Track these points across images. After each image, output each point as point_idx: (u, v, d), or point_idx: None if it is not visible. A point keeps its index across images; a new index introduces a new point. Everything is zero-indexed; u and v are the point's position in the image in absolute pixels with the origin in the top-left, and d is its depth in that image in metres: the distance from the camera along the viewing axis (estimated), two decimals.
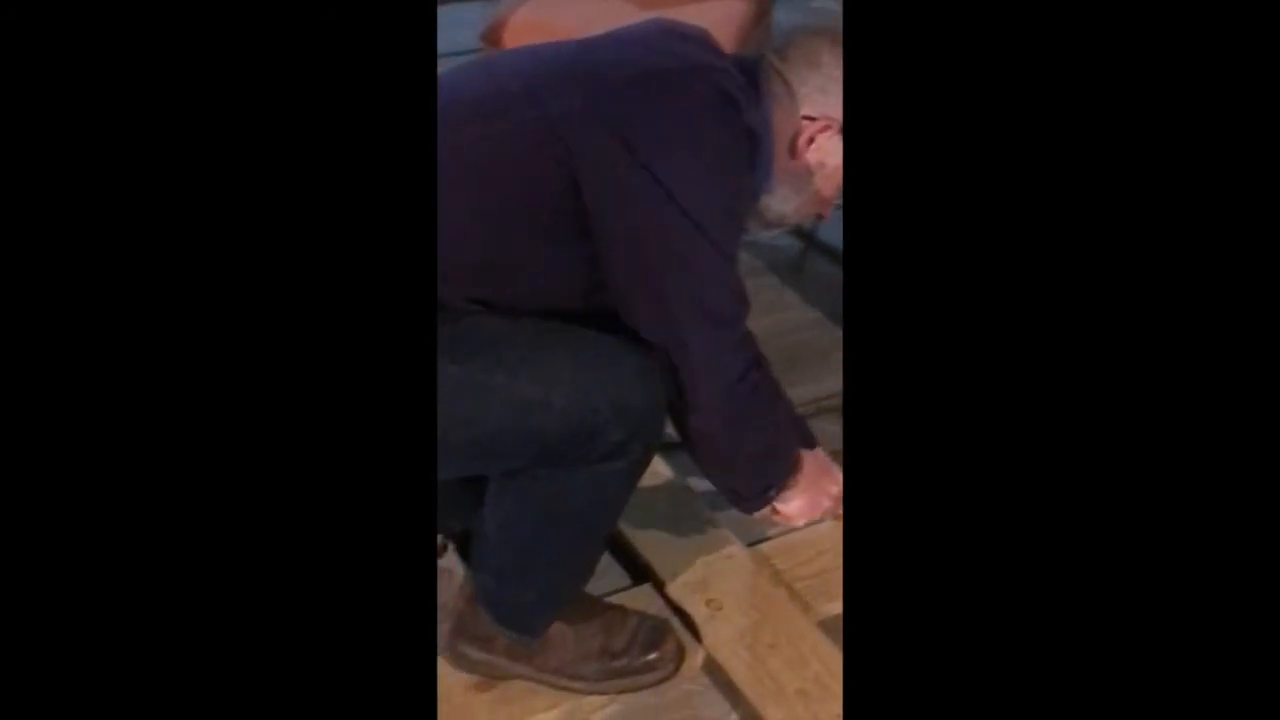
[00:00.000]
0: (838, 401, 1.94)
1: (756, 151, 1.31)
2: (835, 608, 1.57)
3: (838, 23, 1.23)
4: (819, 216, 1.49)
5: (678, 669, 1.49)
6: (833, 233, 2.42)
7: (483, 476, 1.34)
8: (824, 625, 1.54)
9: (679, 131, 1.24)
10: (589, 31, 1.41)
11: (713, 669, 1.51)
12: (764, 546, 1.67)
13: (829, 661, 1.47)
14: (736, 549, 1.66)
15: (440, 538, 1.53)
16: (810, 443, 1.55)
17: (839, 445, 1.54)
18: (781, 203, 1.39)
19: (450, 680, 1.48)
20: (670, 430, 1.33)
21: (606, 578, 1.66)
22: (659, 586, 1.62)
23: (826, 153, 1.37)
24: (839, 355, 1.91)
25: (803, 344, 2.16)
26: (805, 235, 2.50)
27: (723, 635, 1.52)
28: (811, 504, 1.45)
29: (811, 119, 1.35)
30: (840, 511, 1.54)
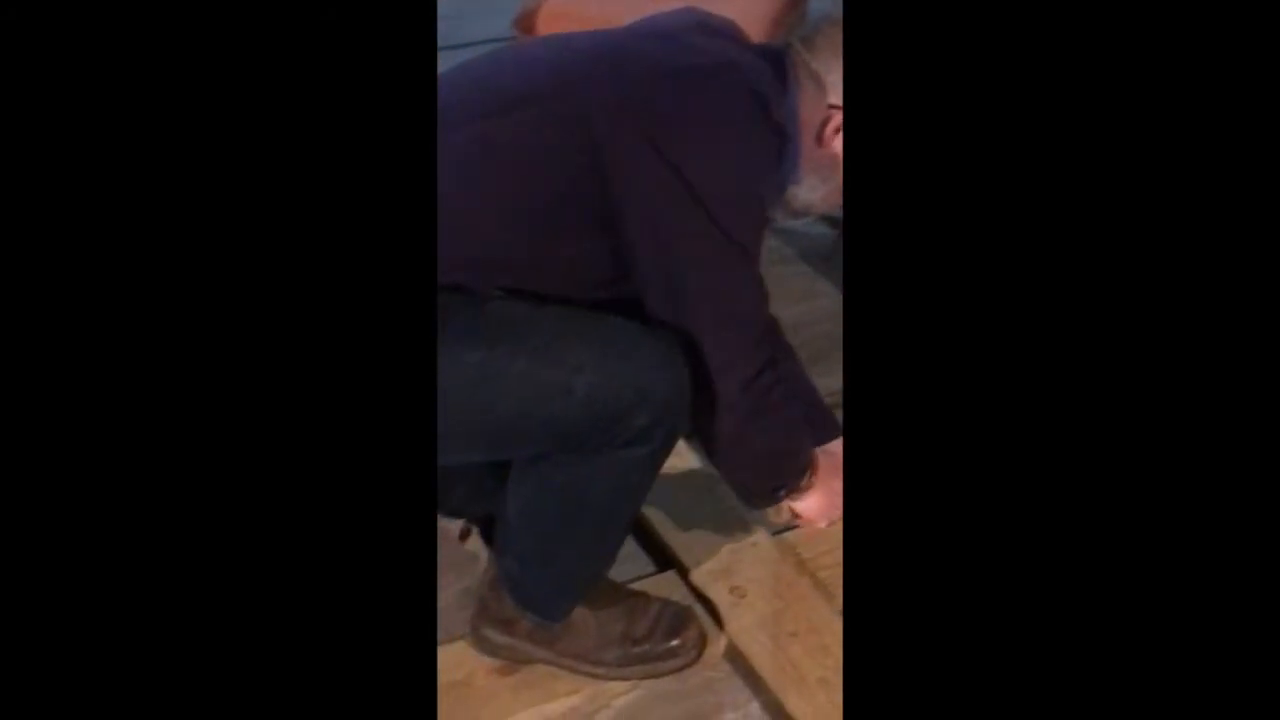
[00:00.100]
0: None
1: (783, 147, 1.31)
2: None
3: None
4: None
5: (699, 656, 1.50)
6: None
7: (507, 461, 1.35)
8: None
9: (707, 131, 1.24)
10: (620, 20, 1.41)
11: (735, 656, 1.52)
12: (789, 535, 1.67)
13: None
14: (761, 537, 1.66)
15: (464, 522, 1.54)
16: (839, 433, 1.55)
17: None
18: (809, 192, 1.39)
19: (473, 664, 1.49)
20: None
21: (630, 564, 1.66)
22: (683, 573, 1.62)
23: None
24: None
25: (833, 333, 2.13)
26: (838, 224, 2.49)
27: (745, 623, 1.53)
28: (827, 504, 1.44)
29: (838, 108, 1.35)
30: None
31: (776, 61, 1.34)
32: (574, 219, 1.26)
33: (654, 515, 1.72)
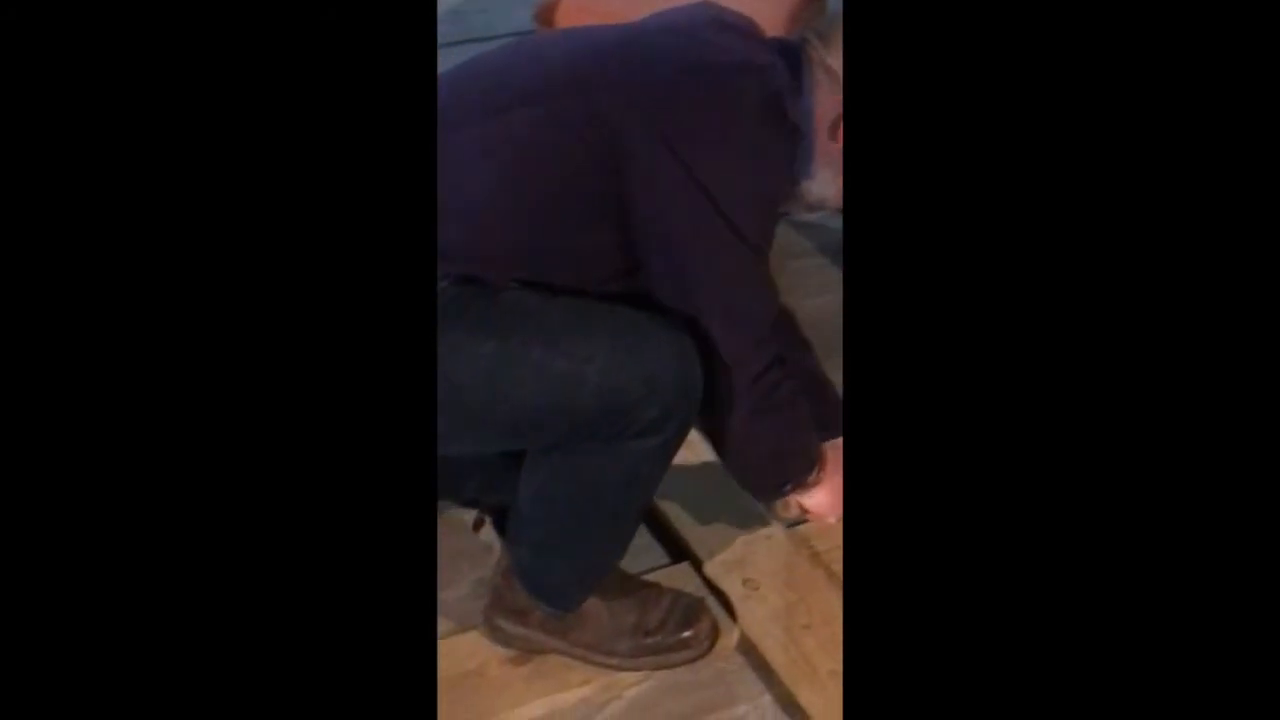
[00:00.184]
0: None
1: (797, 145, 1.31)
2: None
3: None
4: None
5: (712, 647, 1.50)
6: None
7: (521, 452, 1.36)
8: None
9: (721, 131, 1.24)
10: (638, 14, 1.41)
11: (747, 649, 1.52)
12: (803, 528, 1.67)
13: None
14: (775, 529, 1.66)
15: (477, 513, 1.55)
16: None
17: None
18: (823, 186, 1.39)
19: (486, 653, 1.50)
20: None
21: (645, 555, 1.67)
22: (696, 565, 1.62)
23: None
24: None
25: None
26: None
27: (758, 615, 1.53)
28: (835, 500, 1.44)
29: None
30: None
31: (792, 57, 1.33)
32: (588, 213, 1.26)
33: (668, 507, 1.72)
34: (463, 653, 1.50)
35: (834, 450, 1.44)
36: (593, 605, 1.45)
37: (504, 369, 1.21)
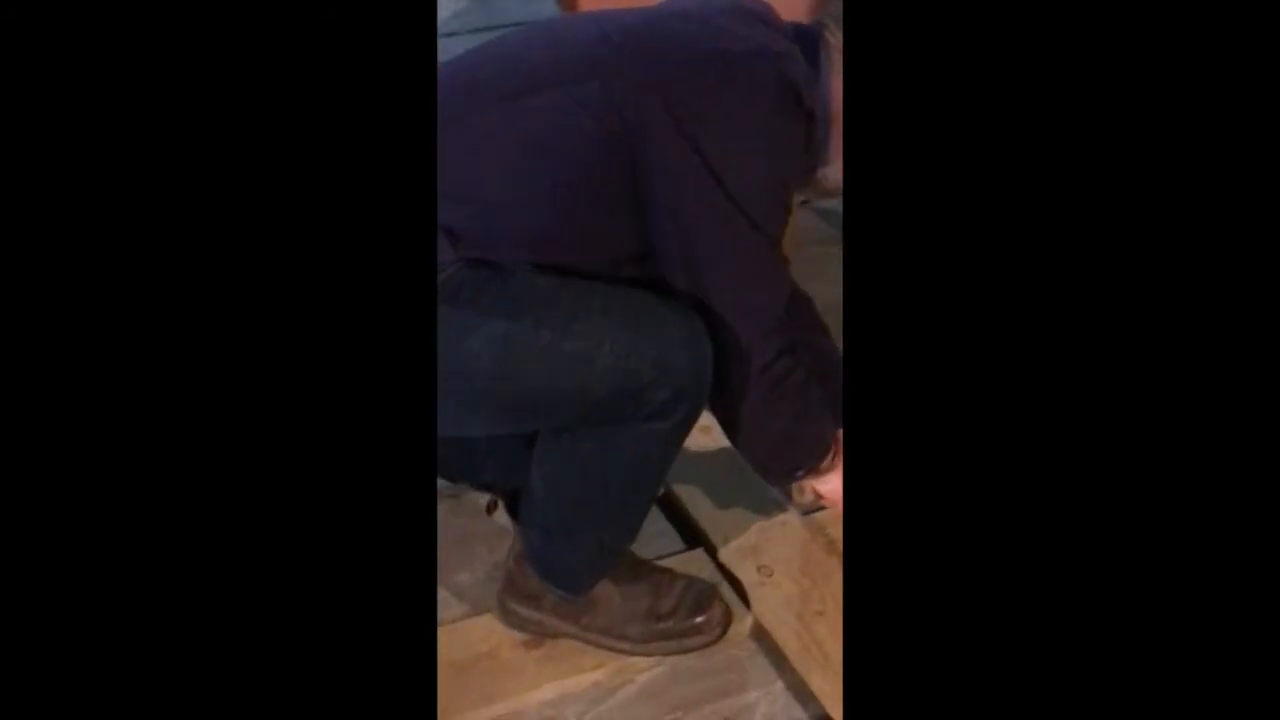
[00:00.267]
0: None
1: (813, 132, 1.30)
2: None
3: None
4: None
5: (724, 633, 1.50)
6: None
7: (533, 434, 1.36)
8: None
9: (736, 120, 1.23)
10: None
11: (760, 635, 1.52)
12: (819, 515, 1.67)
13: None
14: (790, 516, 1.66)
15: (490, 496, 1.55)
16: None
17: None
18: (838, 172, 1.38)
19: (500, 637, 1.50)
20: None
21: (659, 541, 1.67)
22: (711, 551, 1.62)
23: None
24: None
25: None
26: None
27: (771, 602, 1.52)
28: None
29: None
30: None
31: (810, 42, 1.33)
32: (602, 198, 1.26)
33: (684, 493, 1.72)
34: (476, 636, 1.51)
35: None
36: (605, 590, 1.45)
37: (514, 350, 1.21)
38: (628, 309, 1.23)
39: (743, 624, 1.53)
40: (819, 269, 1.76)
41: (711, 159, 1.21)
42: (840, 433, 1.41)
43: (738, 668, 1.49)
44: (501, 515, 1.54)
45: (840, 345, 1.55)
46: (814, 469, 1.41)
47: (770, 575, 1.56)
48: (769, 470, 1.46)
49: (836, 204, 1.73)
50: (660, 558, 1.60)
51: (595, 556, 1.44)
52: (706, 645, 1.49)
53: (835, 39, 1.32)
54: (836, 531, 1.63)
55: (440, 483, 1.63)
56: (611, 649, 1.48)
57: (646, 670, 1.48)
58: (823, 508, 1.67)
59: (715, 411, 1.36)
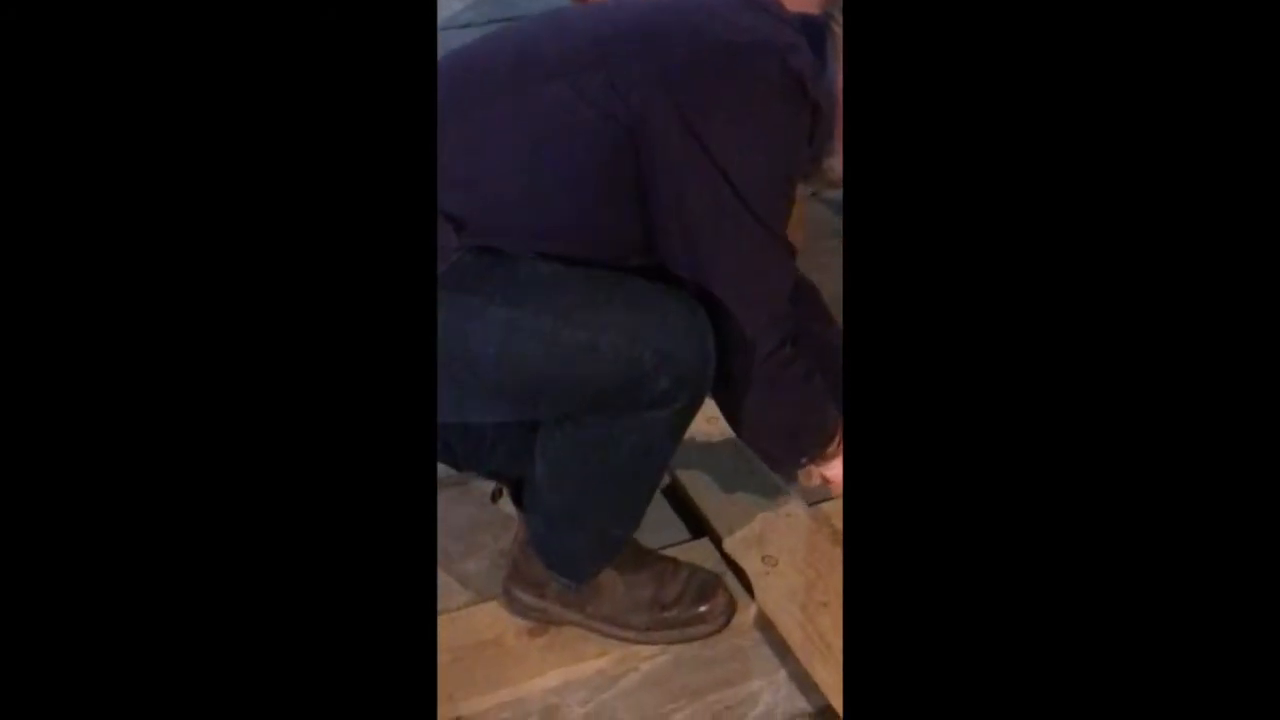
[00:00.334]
0: None
1: (818, 124, 1.30)
2: None
3: None
4: None
5: (728, 623, 1.51)
6: None
7: (539, 422, 1.36)
8: None
9: (740, 112, 1.23)
10: None
11: (764, 625, 1.52)
12: (824, 506, 1.67)
13: None
14: (796, 506, 1.66)
15: (495, 484, 1.56)
16: None
17: None
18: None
19: (504, 624, 1.51)
20: None
21: (665, 530, 1.68)
22: (716, 541, 1.63)
23: None
24: None
25: None
26: None
27: (775, 592, 1.52)
28: None
29: None
30: None
31: (816, 34, 1.32)
32: (607, 188, 1.26)
33: (689, 483, 1.72)
34: (481, 623, 1.52)
35: None
36: (608, 578, 1.46)
37: (516, 337, 1.21)
38: (630, 298, 1.24)
39: (747, 614, 1.53)
40: (828, 261, 1.76)
41: (715, 150, 1.21)
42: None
43: (741, 657, 1.49)
44: (506, 503, 1.54)
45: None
46: (819, 456, 1.41)
47: (775, 565, 1.56)
48: (772, 459, 1.46)
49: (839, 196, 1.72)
50: (665, 547, 1.60)
51: (598, 544, 1.44)
52: (710, 634, 1.50)
53: (842, 30, 1.32)
54: (841, 522, 1.63)
55: (447, 471, 1.64)
56: (615, 637, 1.48)
57: (650, 659, 1.49)
58: (830, 497, 1.67)
59: (718, 401, 1.36)
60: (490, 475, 1.60)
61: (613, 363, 1.21)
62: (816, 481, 1.48)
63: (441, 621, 1.49)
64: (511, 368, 1.22)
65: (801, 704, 1.44)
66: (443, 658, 1.44)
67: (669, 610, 1.48)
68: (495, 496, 1.55)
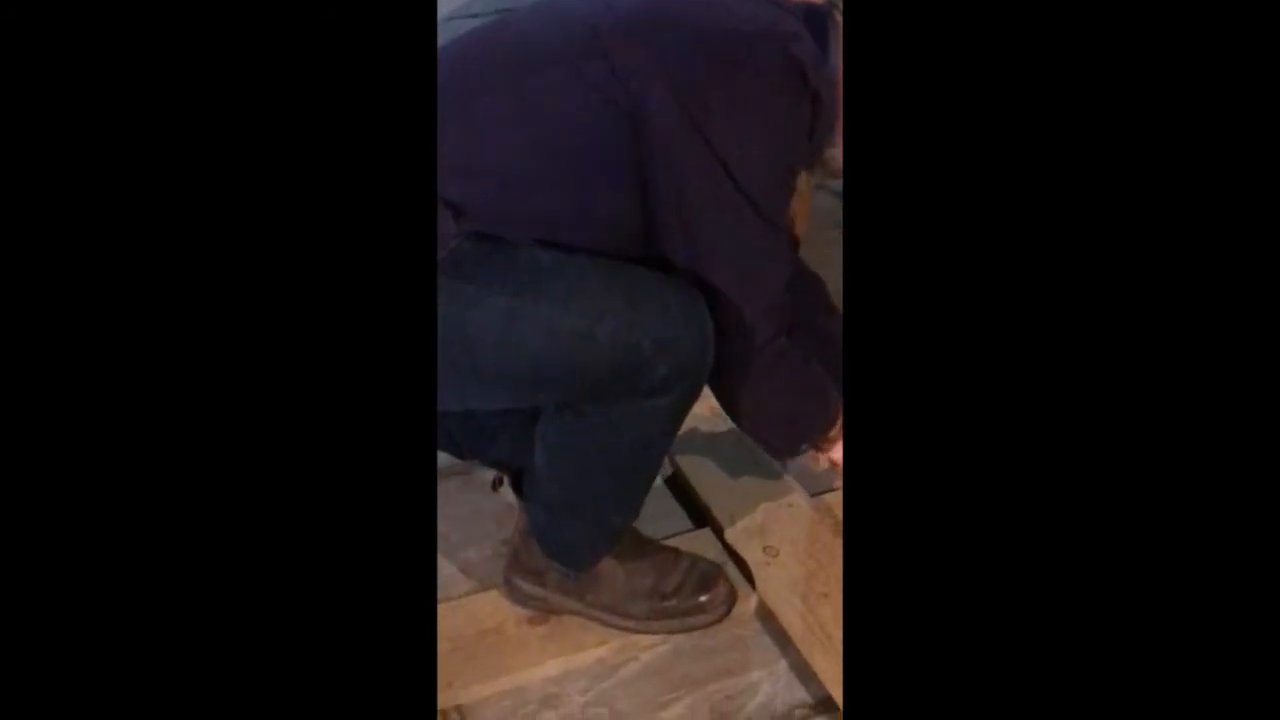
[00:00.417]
0: None
1: (820, 114, 1.29)
2: None
3: None
4: None
5: (728, 613, 1.51)
6: None
7: (539, 409, 1.36)
8: None
9: (741, 101, 1.23)
10: None
11: (765, 615, 1.52)
12: (827, 496, 1.67)
13: None
14: (798, 497, 1.66)
15: (496, 473, 1.56)
16: None
17: None
18: None
19: (505, 612, 1.51)
20: None
21: (668, 520, 1.68)
22: (718, 531, 1.63)
23: None
24: None
25: None
26: None
27: (776, 583, 1.52)
28: None
29: None
30: None
31: (819, 24, 1.32)
32: (607, 176, 1.26)
33: (691, 473, 1.73)
34: (482, 611, 1.52)
35: None
36: (609, 567, 1.46)
37: (515, 324, 1.21)
38: (629, 285, 1.23)
39: (748, 604, 1.53)
40: (834, 252, 1.76)
41: (714, 139, 1.21)
42: None
43: (741, 647, 1.49)
44: (508, 492, 1.54)
45: None
46: (819, 443, 1.41)
47: (776, 556, 1.56)
48: (773, 447, 1.46)
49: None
50: (667, 537, 1.60)
51: (597, 533, 1.44)
52: (710, 624, 1.50)
53: (844, 17, 1.32)
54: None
55: (450, 460, 1.64)
56: (615, 626, 1.48)
57: (650, 648, 1.49)
58: (834, 489, 1.67)
59: (714, 391, 1.36)
60: (493, 464, 1.60)
61: (611, 350, 1.21)
62: (825, 466, 1.48)
63: (442, 610, 1.50)
64: (510, 355, 1.22)
65: (801, 694, 1.43)
66: (443, 646, 1.44)
67: (669, 600, 1.48)
68: (496, 485, 1.55)
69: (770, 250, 1.29)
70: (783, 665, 1.47)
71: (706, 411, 1.53)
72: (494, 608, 1.52)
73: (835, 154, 1.36)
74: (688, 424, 1.51)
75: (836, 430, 1.41)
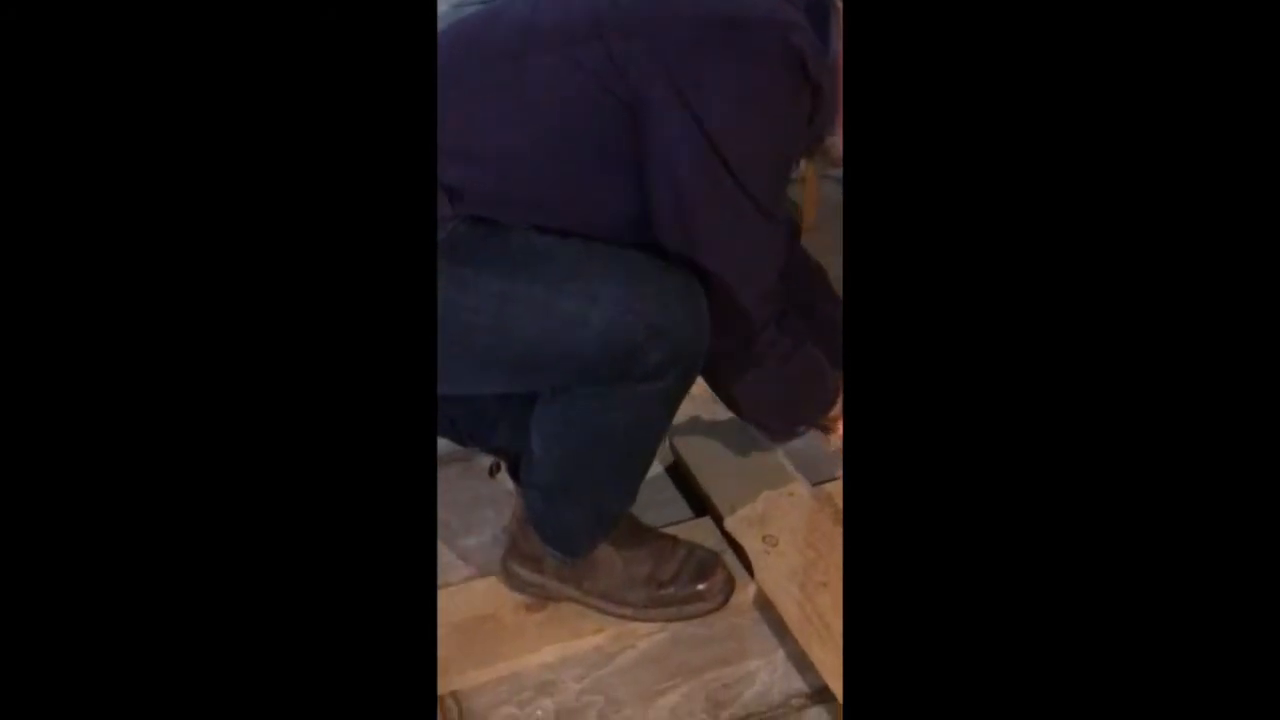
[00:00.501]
0: None
1: (819, 102, 1.29)
2: None
3: None
4: None
5: (726, 601, 1.50)
6: None
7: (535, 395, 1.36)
8: None
9: (736, 87, 1.21)
10: None
11: (763, 604, 1.51)
12: (827, 486, 1.66)
13: None
14: (799, 486, 1.65)
15: (493, 458, 1.56)
16: None
17: None
18: None
19: (502, 599, 1.51)
20: None
21: (668, 509, 1.68)
22: (717, 520, 1.62)
23: None
24: None
25: None
26: None
27: (775, 572, 1.51)
28: None
29: None
30: None
31: (819, 12, 1.31)
32: (603, 161, 1.25)
33: (691, 461, 1.72)
34: (479, 598, 1.52)
35: None
36: (606, 554, 1.46)
37: (510, 308, 1.21)
38: (624, 269, 1.23)
39: (746, 593, 1.52)
40: (839, 240, 1.75)
41: (709, 126, 1.20)
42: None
43: (739, 636, 1.49)
44: (507, 479, 1.54)
45: None
46: (816, 422, 1.40)
47: (775, 545, 1.55)
48: (770, 430, 1.46)
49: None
50: (667, 525, 1.60)
51: (593, 519, 1.44)
52: (708, 613, 1.49)
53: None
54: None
55: (450, 446, 1.64)
56: (612, 614, 1.48)
57: (647, 636, 1.48)
58: (835, 479, 1.67)
59: (706, 378, 1.35)
60: (493, 450, 1.60)
61: (605, 334, 1.20)
62: (836, 446, 1.48)
63: (440, 596, 1.50)
64: (505, 338, 1.22)
65: (798, 684, 1.43)
66: (440, 631, 1.44)
67: (666, 588, 1.47)
68: (493, 471, 1.55)
69: (763, 236, 1.28)
70: (780, 654, 1.46)
71: (706, 400, 1.52)
72: (492, 594, 1.52)
73: (835, 142, 1.36)
74: (688, 411, 1.51)
75: (838, 410, 1.40)
